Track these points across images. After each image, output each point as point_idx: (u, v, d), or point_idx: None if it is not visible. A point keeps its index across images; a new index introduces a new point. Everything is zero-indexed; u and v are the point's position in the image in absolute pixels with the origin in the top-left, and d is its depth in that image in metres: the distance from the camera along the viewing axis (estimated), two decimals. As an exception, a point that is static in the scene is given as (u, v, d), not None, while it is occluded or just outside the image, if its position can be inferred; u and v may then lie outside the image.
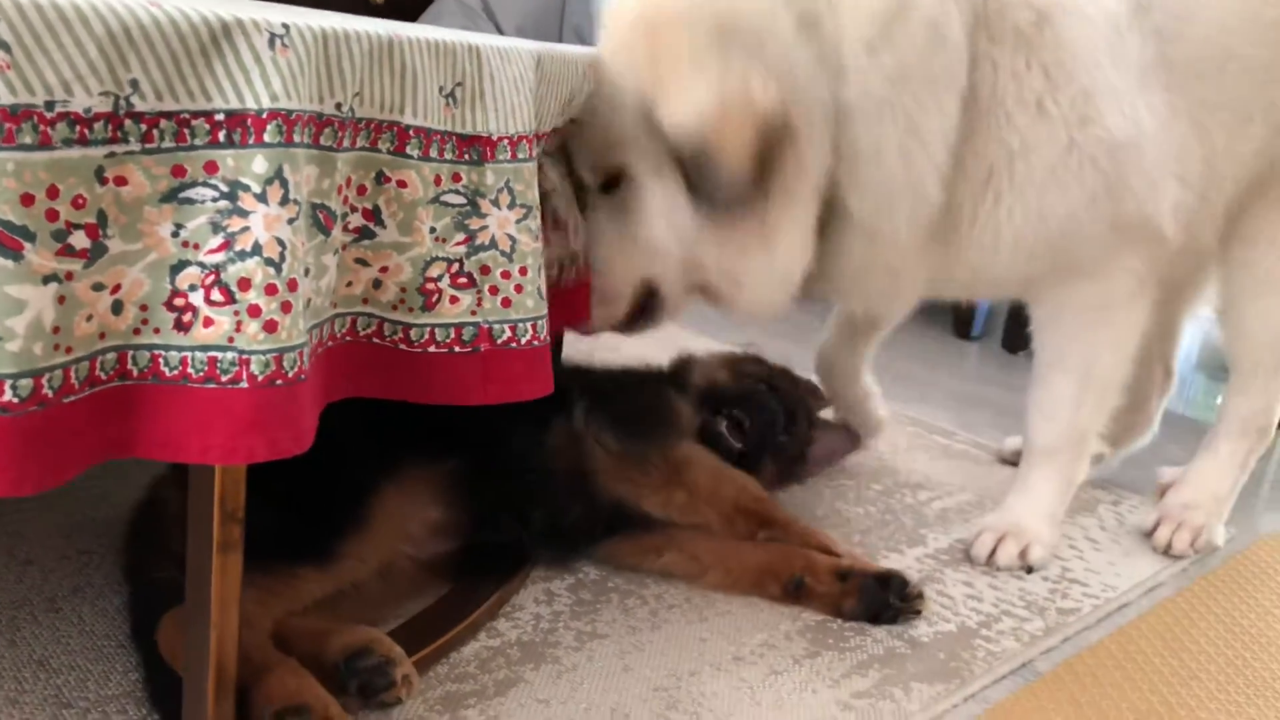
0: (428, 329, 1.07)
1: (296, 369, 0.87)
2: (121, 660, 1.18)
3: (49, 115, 0.75)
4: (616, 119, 1.39)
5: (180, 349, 0.84)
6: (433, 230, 1.05)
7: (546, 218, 1.26)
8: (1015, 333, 3.01)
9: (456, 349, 1.08)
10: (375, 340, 1.06)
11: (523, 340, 1.12)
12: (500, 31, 2.93)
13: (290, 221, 0.85)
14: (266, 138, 0.83)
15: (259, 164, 0.83)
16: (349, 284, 1.02)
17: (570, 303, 1.44)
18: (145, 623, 1.15)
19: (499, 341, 1.10)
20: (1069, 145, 1.45)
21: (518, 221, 1.10)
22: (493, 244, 1.08)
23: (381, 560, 1.29)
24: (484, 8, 2.99)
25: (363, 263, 1.02)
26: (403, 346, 1.07)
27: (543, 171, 1.24)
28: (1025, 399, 1.70)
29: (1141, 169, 1.49)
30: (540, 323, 1.14)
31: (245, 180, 0.83)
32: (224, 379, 0.84)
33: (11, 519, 1.43)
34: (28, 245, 0.75)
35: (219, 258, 0.83)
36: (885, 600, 1.44)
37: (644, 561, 1.51)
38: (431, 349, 1.08)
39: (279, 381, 0.86)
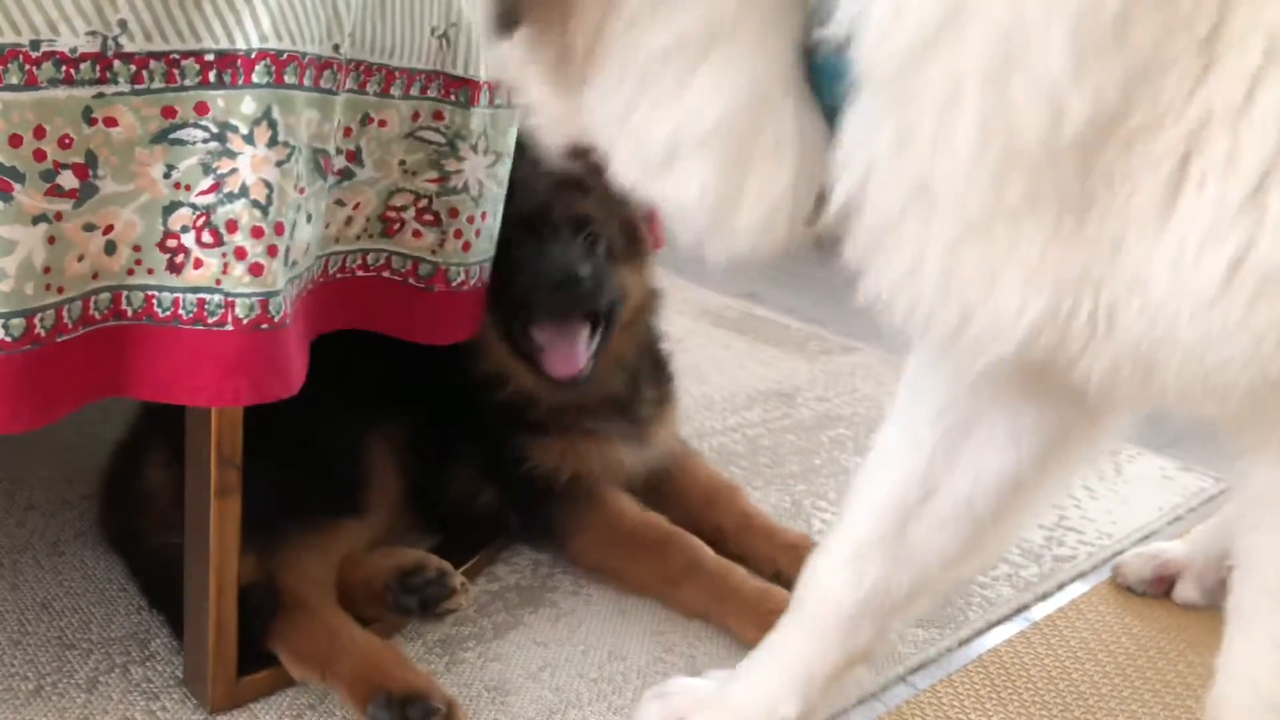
0: (385, 255, 1.09)
1: (282, 314, 0.87)
2: (124, 602, 1.19)
3: (34, 55, 0.75)
4: None
5: (173, 290, 0.85)
6: (402, 163, 1.05)
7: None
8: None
9: (411, 281, 1.11)
10: (339, 276, 1.06)
11: (472, 282, 1.15)
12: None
13: (280, 164, 0.85)
14: (255, 78, 0.83)
15: (247, 105, 0.83)
16: (327, 226, 1.01)
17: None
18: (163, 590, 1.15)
19: (454, 284, 1.13)
20: None
21: (488, 167, 1.11)
22: (464, 188, 1.09)
23: (393, 510, 1.30)
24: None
25: (340, 204, 1.01)
26: (359, 273, 1.07)
27: None
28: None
29: None
30: (487, 265, 1.17)
31: (234, 121, 0.83)
32: (210, 321, 0.85)
33: (14, 465, 1.45)
34: (17, 186, 0.76)
35: (209, 199, 0.83)
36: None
37: None
38: (386, 275, 1.09)
39: (264, 325, 0.86)
